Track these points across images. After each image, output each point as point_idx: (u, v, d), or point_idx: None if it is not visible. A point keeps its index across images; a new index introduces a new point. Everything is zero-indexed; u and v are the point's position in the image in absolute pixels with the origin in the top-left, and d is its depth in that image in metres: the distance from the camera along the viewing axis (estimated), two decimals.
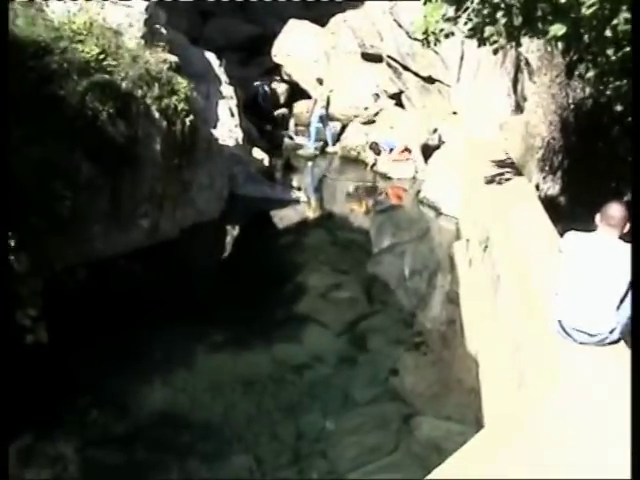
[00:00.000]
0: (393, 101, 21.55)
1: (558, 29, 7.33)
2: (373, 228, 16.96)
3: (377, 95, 21.58)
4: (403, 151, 19.90)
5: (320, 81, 22.43)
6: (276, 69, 24.26)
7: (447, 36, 9.82)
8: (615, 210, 6.42)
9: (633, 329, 5.22)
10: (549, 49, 13.52)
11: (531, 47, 14.41)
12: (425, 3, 9.89)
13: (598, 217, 6.46)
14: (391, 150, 20.09)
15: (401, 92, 21.35)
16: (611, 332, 6.42)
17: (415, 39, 13.54)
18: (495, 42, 9.13)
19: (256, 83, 23.11)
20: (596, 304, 6.37)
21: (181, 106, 13.11)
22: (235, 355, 9.90)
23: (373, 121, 21.63)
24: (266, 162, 18.53)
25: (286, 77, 24.01)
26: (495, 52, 9.84)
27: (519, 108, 16.60)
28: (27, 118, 9.83)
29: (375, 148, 20.39)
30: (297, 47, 23.57)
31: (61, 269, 10.03)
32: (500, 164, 13.61)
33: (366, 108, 21.61)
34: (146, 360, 9.53)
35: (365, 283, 12.97)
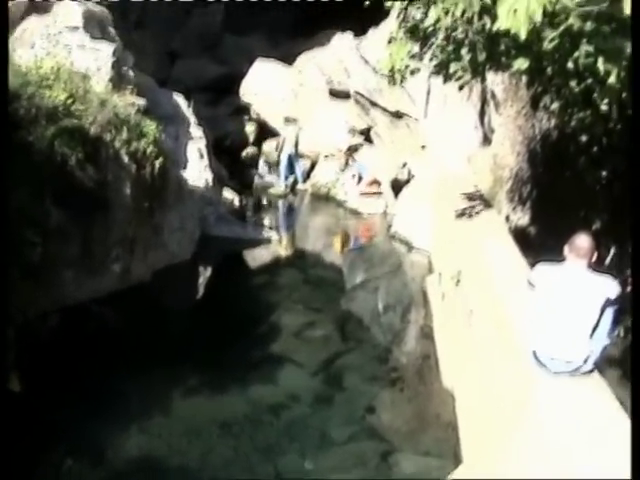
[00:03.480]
0: (362, 137, 21.66)
1: (521, 63, 7.41)
2: (345, 264, 16.96)
3: (353, 131, 21.69)
4: (372, 183, 20.00)
5: (288, 119, 22.50)
6: (244, 108, 24.33)
7: (413, 73, 9.91)
8: (583, 241, 6.50)
9: (633, 329, 5.25)
10: (514, 81, 13.68)
11: (496, 80, 14.57)
12: (390, 41, 9.99)
13: (566, 248, 6.54)
14: (360, 179, 20.22)
15: (370, 128, 21.48)
16: (585, 361, 6.47)
17: (382, 74, 13.69)
18: (460, 78, 9.23)
19: None
20: (569, 333, 6.43)
21: (150, 149, 13.10)
22: (211, 398, 9.83)
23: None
24: (237, 202, 18.53)
25: (255, 116, 24.09)
26: (461, 88, 9.94)
27: (487, 140, 16.73)
28: None
29: (351, 162, 20.52)
30: (265, 86, 23.68)
31: (33, 315, 9.95)
32: (470, 197, 13.70)
33: (336, 144, 21.74)
34: (121, 406, 9.43)
35: (339, 320, 12.94)
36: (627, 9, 4.78)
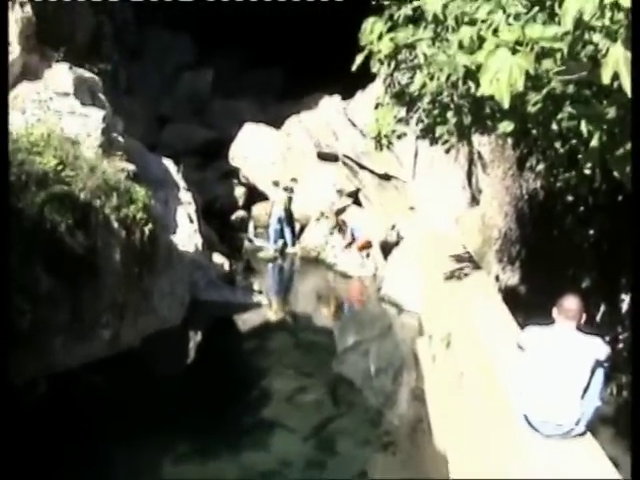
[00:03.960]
0: (351, 199, 21.79)
1: (506, 126, 7.47)
2: (336, 327, 16.93)
3: (340, 192, 21.81)
4: (364, 246, 20.07)
5: (277, 183, 22.63)
6: (234, 172, 24.49)
7: (400, 137, 10.01)
8: (571, 303, 6.53)
9: (633, 329, 5.23)
10: (500, 142, 13.82)
11: (482, 141, 14.72)
12: (377, 107, 10.11)
13: (555, 310, 6.56)
14: (353, 240, 20.31)
15: (358, 190, 21.62)
16: (577, 423, 6.44)
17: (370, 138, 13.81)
18: (447, 141, 9.33)
19: None
20: (560, 395, 6.41)
21: (140, 215, 13.14)
22: (202, 465, 9.72)
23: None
24: (226, 266, 18.51)
25: (244, 180, 24.26)
26: (447, 151, 10.04)
27: (475, 200, 16.84)
28: None
29: (343, 227, 20.55)
30: (254, 150, 23.92)
31: (21, 382, 9.87)
32: (459, 258, 13.72)
33: (324, 213, 21.83)
34: (111, 474, 9.33)
35: (330, 384, 12.87)
36: (606, 78, 4.86)
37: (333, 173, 22.14)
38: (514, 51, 5.48)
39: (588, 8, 4.59)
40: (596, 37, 5.10)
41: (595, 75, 5.14)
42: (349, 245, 20.36)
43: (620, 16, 4.67)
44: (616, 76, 4.88)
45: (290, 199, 22.27)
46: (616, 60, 4.80)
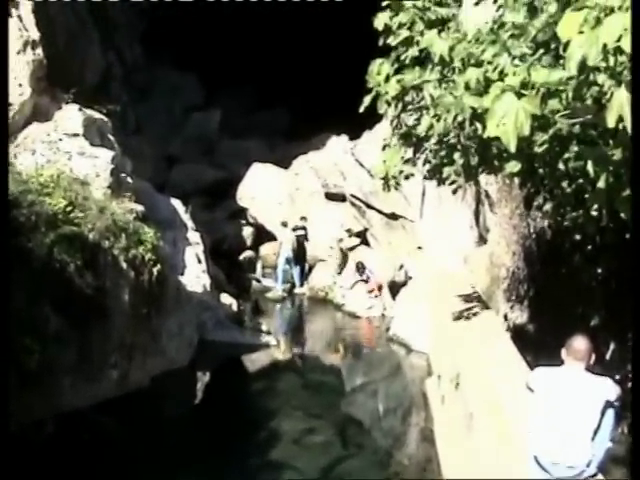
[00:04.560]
0: (359, 239, 21.81)
1: (513, 166, 7.52)
2: (345, 368, 16.86)
3: (349, 230, 21.83)
4: (376, 289, 20.03)
5: (285, 223, 22.67)
6: (242, 212, 24.56)
7: (407, 178, 10.05)
8: (580, 343, 6.50)
9: (633, 330, 5.19)
10: (507, 182, 13.86)
11: (490, 180, 14.76)
12: (384, 148, 10.17)
13: (564, 351, 6.53)
14: (368, 279, 20.24)
15: (366, 230, 21.65)
16: (588, 465, 6.38)
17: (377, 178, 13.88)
18: (454, 182, 9.38)
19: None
20: (570, 437, 6.36)
21: (148, 256, 13.17)
22: None
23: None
24: (234, 307, 18.51)
25: (252, 220, 24.32)
26: (454, 192, 10.08)
27: (482, 239, 16.85)
28: None
29: (361, 268, 20.48)
30: (261, 190, 23.99)
31: (29, 422, 9.84)
32: (467, 298, 13.72)
33: (332, 247, 21.84)
34: None
35: (339, 425, 12.78)
36: (611, 122, 4.89)
37: (341, 213, 22.17)
38: (520, 95, 5.53)
39: (592, 53, 4.63)
40: (601, 78, 5.15)
41: (600, 117, 5.17)
42: (372, 291, 20.22)
43: (624, 59, 4.72)
44: (621, 119, 4.91)
45: (301, 237, 22.27)
46: (620, 104, 4.84)
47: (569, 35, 4.83)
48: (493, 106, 5.56)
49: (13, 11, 15.84)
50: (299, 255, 22.16)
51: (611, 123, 4.92)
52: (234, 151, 27.08)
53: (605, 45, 4.60)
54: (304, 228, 22.45)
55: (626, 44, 4.51)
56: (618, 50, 4.59)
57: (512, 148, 5.48)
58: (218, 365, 15.75)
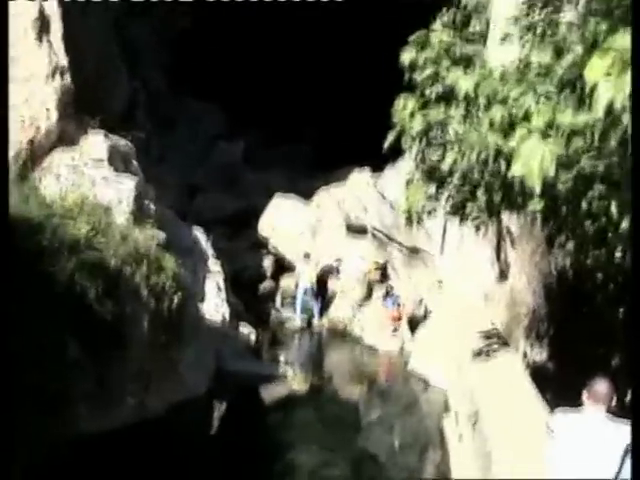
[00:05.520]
0: (379, 272, 21.77)
1: (536, 204, 7.52)
2: (362, 401, 16.79)
3: (377, 262, 21.79)
4: (397, 318, 19.96)
5: (306, 255, 22.66)
6: (262, 243, 24.59)
7: (430, 214, 10.07)
8: (601, 387, 6.44)
9: (633, 330, 5.11)
10: (529, 219, 13.82)
11: (512, 217, 14.73)
12: (407, 184, 10.19)
13: (585, 394, 6.46)
14: (398, 305, 20.15)
15: (387, 263, 21.62)
16: None
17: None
18: (476, 218, 9.38)
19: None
20: None
21: (169, 284, 13.18)
22: None
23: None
24: (253, 337, 18.48)
25: (272, 250, 24.33)
26: (477, 229, 10.07)
27: (503, 276, 16.77)
28: (18, 296, 9.85)
29: (390, 290, 20.41)
30: (283, 221, 24.01)
31: (45, 448, 9.83)
32: (487, 335, 13.66)
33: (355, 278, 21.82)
34: None
35: (354, 459, 12.67)
36: None
37: (362, 246, 22.16)
38: (546, 136, 5.54)
39: (619, 97, 4.63)
40: (626, 120, 5.14)
41: (624, 162, 5.16)
42: (395, 319, 20.13)
43: None
44: None
45: (331, 271, 22.26)
46: None
47: (596, 78, 4.83)
48: (519, 147, 5.57)
49: (43, 37, 16.06)
50: (321, 287, 22.13)
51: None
52: (256, 182, 27.16)
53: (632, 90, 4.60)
54: (338, 270, 22.42)
55: None
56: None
57: (537, 189, 5.49)
58: (235, 395, 15.69)
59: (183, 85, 29.05)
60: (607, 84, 4.67)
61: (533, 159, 5.37)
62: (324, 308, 22.24)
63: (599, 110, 4.83)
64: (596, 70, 4.77)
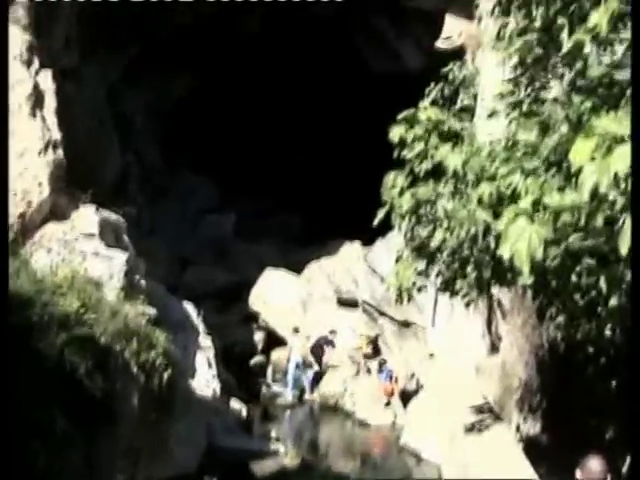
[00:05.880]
0: (371, 346, 21.68)
1: (526, 279, 7.56)
2: (354, 476, 16.62)
3: (369, 336, 21.71)
4: (390, 391, 19.83)
5: (297, 329, 22.60)
6: (253, 316, 24.53)
7: (420, 290, 10.10)
8: (595, 465, 6.38)
9: (633, 332, 5.06)
10: (520, 292, 13.87)
11: (502, 289, 14.78)
12: (397, 260, 10.24)
13: (578, 472, 6.41)
14: (391, 378, 20.02)
15: (378, 336, 21.56)
16: None
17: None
18: (466, 294, 9.41)
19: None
20: None
21: (159, 360, 13.10)
22: None
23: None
24: (244, 412, 18.32)
25: (263, 324, 24.27)
26: (467, 305, 10.09)
27: (495, 348, 16.75)
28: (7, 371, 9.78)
29: (382, 364, 20.29)
30: (274, 295, 24.03)
31: None
32: (479, 409, 13.60)
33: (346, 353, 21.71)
34: None
35: None
36: (624, 249, 4.92)
37: (353, 319, 22.13)
38: (533, 219, 5.61)
39: (604, 181, 4.71)
40: (612, 201, 5.19)
41: (612, 240, 5.22)
42: (388, 393, 20.00)
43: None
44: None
45: (325, 345, 22.16)
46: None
47: (581, 162, 4.91)
48: (507, 229, 5.63)
49: (37, 112, 16.23)
50: (316, 357, 22.00)
51: (623, 250, 4.95)
52: (247, 255, 27.23)
53: (616, 173, 4.67)
54: (332, 338, 22.33)
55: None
56: (629, 177, 4.66)
57: (526, 272, 5.53)
58: (226, 471, 15.48)
59: (175, 158, 29.30)
60: (592, 167, 4.76)
61: (521, 241, 5.44)
62: (317, 381, 22.05)
63: (584, 194, 4.90)
64: (581, 154, 4.85)
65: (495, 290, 14.06)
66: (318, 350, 22.17)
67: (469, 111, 17.02)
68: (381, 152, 10.86)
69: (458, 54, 21.08)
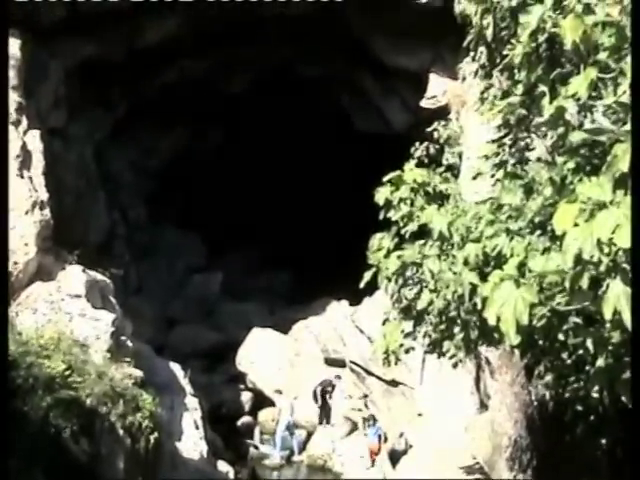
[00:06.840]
0: (358, 406, 21.58)
1: (513, 339, 7.56)
2: None
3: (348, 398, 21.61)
4: (374, 451, 19.67)
5: (284, 389, 22.47)
6: (240, 377, 24.40)
7: (407, 352, 10.07)
8: None
9: (633, 333, 4.98)
10: (507, 350, 13.86)
11: (490, 347, 14.76)
12: (384, 322, 10.22)
13: None
14: (379, 437, 19.86)
15: (365, 396, 21.46)
16: None
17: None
18: (454, 355, 9.37)
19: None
20: None
21: (145, 423, 13.00)
22: None
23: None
24: (231, 474, 18.06)
25: (250, 385, 24.14)
26: (455, 366, 10.05)
27: (483, 406, 16.68)
28: None
29: (370, 420, 20.14)
30: (261, 355, 24.00)
31: None
32: (468, 470, 13.48)
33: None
34: None
35: None
36: (608, 313, 4.94)
37: (341, 379, 22.04)
38: (518, 283, 5.64)
39: (587, 247, 4.75)
40: (596, 268, 5.22)
41: (597, 304, 5.23)
42: (374, 452, 19.84)
43: (619, 253, 4.82)
44: (617, 311, 4.95)
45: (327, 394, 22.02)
46: (617, 295, 4.91)
47: (564, 227, 4.96)
48: (492, 295, 5.66)
49: (25, 172, 16.28)
50: (322, 401, 21.86)
51: (608, 315, 4.98)
52: (234, 314, 27.22)
53: (599, 239, 4.72)
54: (331, 386, 22.19)
55: (620, 238, 4.63)
56: (612, 243, 4.71)
57: (512, 337, 5.54)
58: None
59: (162, 215, 29.39)
60: (575, 233, 4.80)
61: (506, 306, 5.46)
62: (303, 444, 21.86)
63: (568, 260, 4.94)
64: (563, 220, 4.90)
65: (483, 349, 14.07)
66: (324, 393, 22.02)
67: (454, 169, 17.16)
68: (367, 210, 10.90)
69: (443, 113, 21.33)
